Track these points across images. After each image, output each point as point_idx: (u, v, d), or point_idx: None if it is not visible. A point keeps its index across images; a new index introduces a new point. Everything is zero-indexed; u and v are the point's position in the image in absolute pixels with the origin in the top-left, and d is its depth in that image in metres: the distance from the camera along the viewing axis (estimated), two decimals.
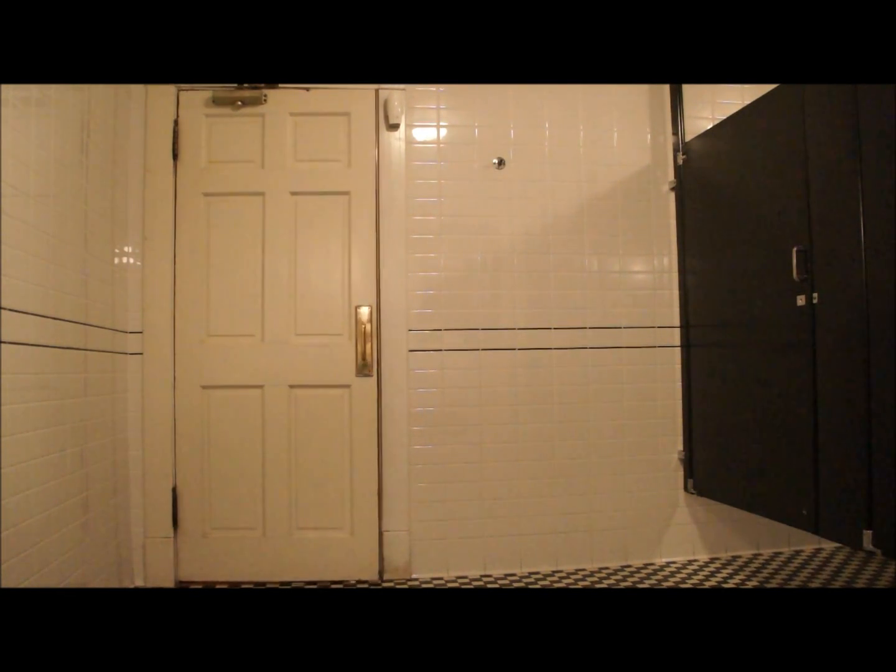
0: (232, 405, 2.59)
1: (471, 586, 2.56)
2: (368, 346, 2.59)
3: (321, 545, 2.57)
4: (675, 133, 2.89)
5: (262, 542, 2.56)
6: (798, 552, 2.89)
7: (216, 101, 2.58)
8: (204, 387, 2.58)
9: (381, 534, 2.65)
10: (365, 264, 2.64)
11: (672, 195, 2.90)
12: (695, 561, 2.80)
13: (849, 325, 1.88)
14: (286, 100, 2.63)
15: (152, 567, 2.53)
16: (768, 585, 2.49)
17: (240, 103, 2.59)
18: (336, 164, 2.64)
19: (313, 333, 2.62)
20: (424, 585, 2.58)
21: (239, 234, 2.61)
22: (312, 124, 2.63)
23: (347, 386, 2.60)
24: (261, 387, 2.59)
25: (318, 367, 2.60)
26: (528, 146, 2.82)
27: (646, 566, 2.75)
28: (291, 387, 2.60)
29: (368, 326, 2.60)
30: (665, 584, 2.53)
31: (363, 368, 2.59)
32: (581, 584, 2.55)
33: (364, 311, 2.60)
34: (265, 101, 2.61)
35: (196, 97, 2.60)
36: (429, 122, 2.77)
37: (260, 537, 2.56)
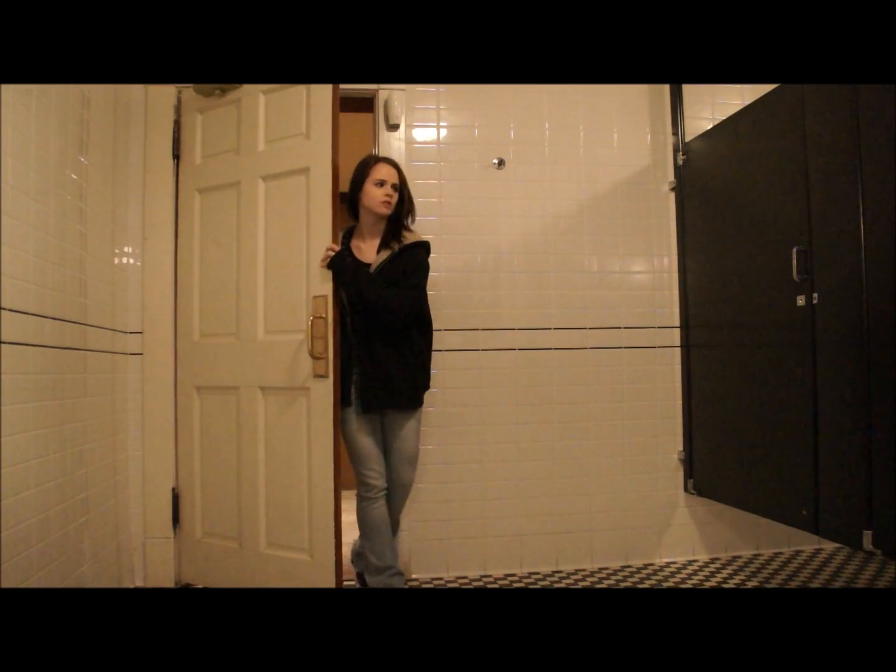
0: (216, 408, 2.51)
1: (471, 586, 2.55)
2: (322, 341, 2.20)
3: (286, 565, 2.33)
4: (675, 133, 2.89)
5: (240, 555, 2.42)
6: (798, 552, 2.89)
7: (198, 91, 2.53)
8: (197, 388, 2.55)
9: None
10: (323, 246, 2.26)
11: (672, 195, 2.89)
12: (695, 561, 2.80)
13: (849, 325, 1.88)
14: None
15: (152, 567, 2.52)
16: (768, 586, 2.49)
17: (219, 91, 2.51)
18: (297, 137, 2.38)
19: (281, 330, 2.36)
20: (424, 586, 2.57)
21: (221, 227, 2.52)
22: (279, 99, 2.44)
23: (307, 389, 2.28)
24: (236, 389, 2.44)
25: (284, 367, 2.33)
26: (528, 146, 2.82)
27: (646, 566, 2.75)
28: (262, 389, 2.38)
29: (324, 319, 2.22)
30: (665, 585, 2.53)
31: (317, 368, 2.22)
32: (581, 585, 2.55)
33: (319, 301, 2.23)
34: (241, 84, 2.48)
35: (191, 94, 2.58)
36: (429, 123, 2.77)
37: (238, 549, 2.43)
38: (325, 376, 2.22)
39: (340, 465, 2.24)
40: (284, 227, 2.39)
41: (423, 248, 2.27)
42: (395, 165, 2.27)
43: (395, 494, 2.31)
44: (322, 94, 2.32)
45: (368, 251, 2.27)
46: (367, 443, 2.24)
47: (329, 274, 2.23)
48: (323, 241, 2.27)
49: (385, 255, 2.22)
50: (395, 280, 2.19)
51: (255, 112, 2.46)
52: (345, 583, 2.34)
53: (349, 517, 2.37)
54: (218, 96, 2.53)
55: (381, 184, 2.21)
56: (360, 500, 2.28)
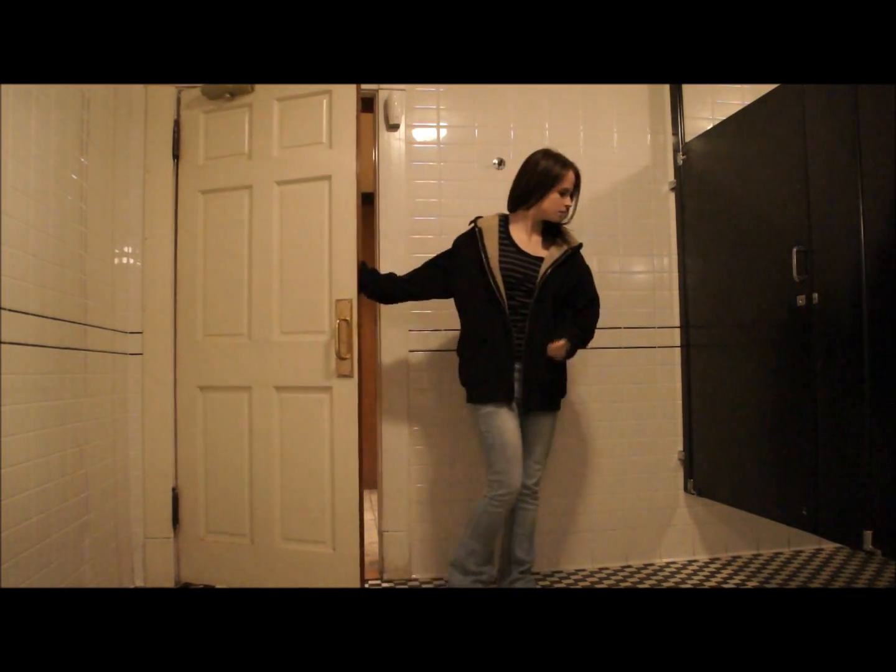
0: (224, 407, 2.52)
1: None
2: (347, 343, 2.31)
3: (304, 559, 2.39)
4: (675, 133, 2.89)
5: (251, 551, 2.46)
6: (798, 552, 2.89)
7: (206, 95, 2.53)
8: (200, 387, 2.55)
9: (380, 534, 2.66)
10: (346, 253, 2.36)
11: (672, 195, 2.89)
12: (695, 561, 2.80)
13: (849, 325, 1.88)
14: (272, 86, 2.50)
15: (152, 567, 2.52)
16: (768, 586, 2.49)
17: (228, 95, 2.52)
18: (318, 146, 2.44)
19: (298, 331, 2.42)
20: (424, 585, 2.57)
21: (230, 229, 2.54)
22: (296, 107, 2.48)
23: (329, 388, 2.37)
24: (248, 388, 2.48)
25: (303, 367, 2.40)
26: (528, 146, 2.78)
27: (646, 566, 2.75)
28: (277, 388, 2.44)
29: (348, 321, 2.32)
30: (665, 585, 2.53)
31: (342, 368, 2.33)
32: (581, 585, 2.55)
33: (344, 305, 2.33)
34: (252, 89, 2.51)
35: (194, 95, 2.59)
36: (429, 123, 2.77)
37: (249, 545, 2.46)
38: (349, 376, 2.33)
39: (363, 460, 2.33)
40: (301, 231, 2.45)
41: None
42: (577, 171, 2.23)
43: (530, 498, 2.26)
44: (345, 106, 2.40)
45: (534, 246, 2.23)
46: (518, 443, 2.15)
47: (354, 278, 2.32)
48: (347, 246, 2.35)
49: (556, 252, 2.21)
50: (567, 280, 2.20)
51: (268, 118, 2.50)
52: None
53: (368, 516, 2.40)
54: (226, 100, 2.54)
55: (565, 192, 2.19)
56: (493, 502, 2.14)
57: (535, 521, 2.29)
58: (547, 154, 2.21)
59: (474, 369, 2.21)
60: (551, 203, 2.19)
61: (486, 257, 2.17)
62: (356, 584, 2.33)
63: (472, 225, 2.28)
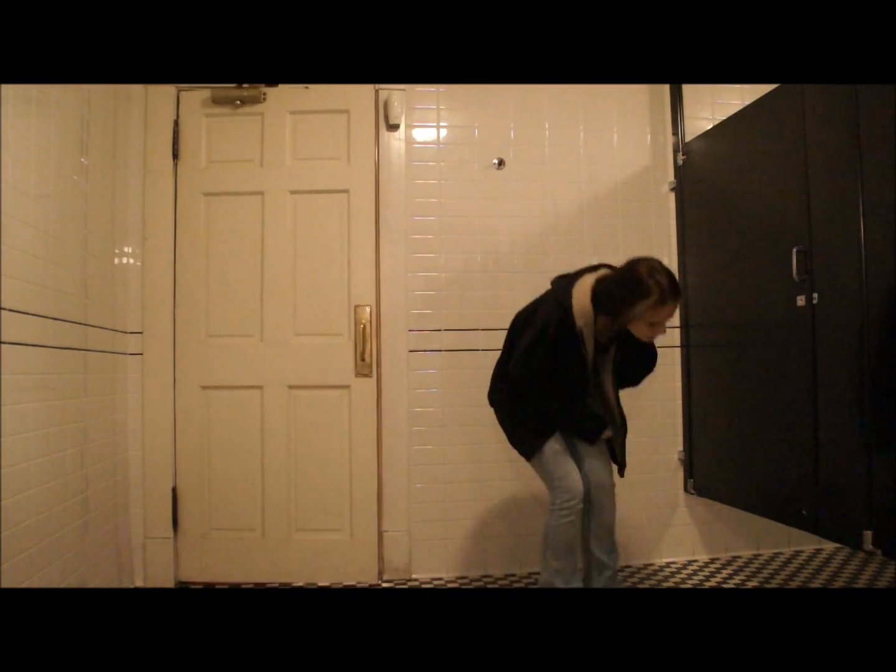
0: (231, 406, 2.59)
1: (471, 586, 2.55)
2: (367, 346, 2.55)
3: (320, 547, 2.55)
4: (675, 133, 2.89)
5: (262, 544, 2.55)
6: (798, 552, 2.89)
7: (215, 101, 2.58)
8: (204, 387, 2.58)
9: (380, 534, 2.65)
10: (364, 263, 2.61)
11: (672, 195, 2.89)
12: (695, 561, 2.80)
13: (849, 325, 1.88)
14: (285, 98, 2.61)
15: (152, 567, 2.53)
16: (768, 586, 2.48)
17: (239, 102, 2.58)
18: (335, 161, 2.61)
19: (313, 333, 2.59)
20: (424, 586, 2.57)
21: (238, 233, 2.60)
22: (311, 122, 2.61)
23: (347, 387, 2.58)
24: (260, 387, 2.58)
25: (318, 367, 2.58)
26: (528, 146, 2.82)
27: (646, 566, 2.75)
28: (291, 387, 2.58)
29: (368, 326, 2.56)
30: (665, 585, 2.53)
31: (362, 369, 2.56)
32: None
33: (363, 311, 2.57)
34: (264, 99, 2.60)
35: (196, 97, 2.61)
36: (429, 123, 2.77)
37: (259, 538, 2.55)
38: (368, 376, 2.57)
39: (382, 454, 2.59)
40: (318, 239, 2.61)
41: None
42: (678, 302, 1.91)
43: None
44: (365, 125, 2.61)
45: (604, 335, 2.06)
46: (565, 446, 2.12)
47: (373, 285, 2.59)
48: (366, 256, 2.60)
49: (613, 350, 2.09)
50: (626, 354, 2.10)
51: (280, 129, 2.61)
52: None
53: None
54: (235, 107, 2.59)
55: (657, 324, 1.91)
56: (561, 512, 2.04)
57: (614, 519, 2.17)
58: (653, 272, 1.85)
59: (534, 423, 2.14)
60: (638, 330, 1.93)
61: (586, 359, 2.02)
62: (374, 569, 2.57)
63: (568, 314, 1.96)
